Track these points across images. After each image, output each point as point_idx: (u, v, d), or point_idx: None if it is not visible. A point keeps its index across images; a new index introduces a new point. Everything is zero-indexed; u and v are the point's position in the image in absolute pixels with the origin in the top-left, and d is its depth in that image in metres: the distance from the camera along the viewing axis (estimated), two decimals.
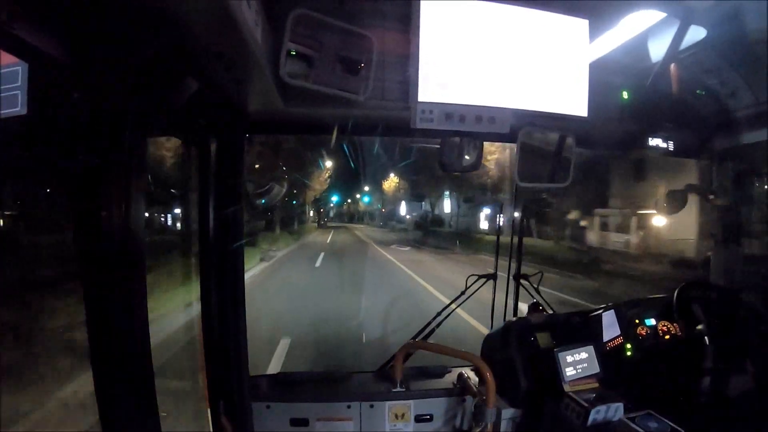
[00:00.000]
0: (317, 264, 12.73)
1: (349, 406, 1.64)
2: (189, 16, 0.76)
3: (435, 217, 34.11)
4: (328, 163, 27.65)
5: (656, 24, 1.44)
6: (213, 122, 1.29)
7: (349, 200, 65.76)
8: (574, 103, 1.38)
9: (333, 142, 1.68)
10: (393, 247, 19.99)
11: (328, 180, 29.97)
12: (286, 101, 1.29)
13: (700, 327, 1.74)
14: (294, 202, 25.86)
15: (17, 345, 3.79)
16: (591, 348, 1.55)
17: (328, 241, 23.42)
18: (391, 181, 41.56)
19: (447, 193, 30.84)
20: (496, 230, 2.49)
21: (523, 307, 2.08)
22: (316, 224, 45.77)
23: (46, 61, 0.69)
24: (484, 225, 27.96)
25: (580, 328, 1.78)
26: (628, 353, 1.75)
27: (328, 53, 1.16)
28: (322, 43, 1.15)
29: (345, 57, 1.18)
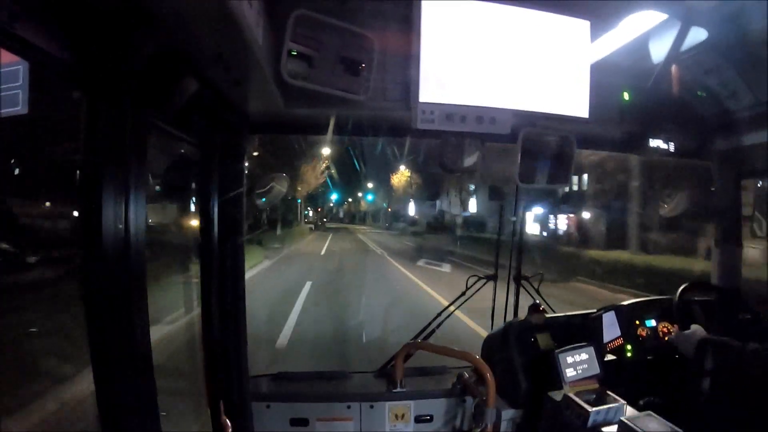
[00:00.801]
0: (286, 329, 5.44)
1: (349, 407, 1.64)
2: (189, 16, 0.76)
3: (470, 218, 25.86)
4: (325, 151, 22.82)
5: (657, 25, 1.43)
6: (213, 122, 1.29)
7: (350, 199, 59.94)
8: (575, 103, 1.38)
9: (331, 137, 1.65)
10: (422, 266, 12.37)
11: (326, 173, 25.40)
12: (286, 101, 1.29)
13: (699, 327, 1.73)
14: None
15: None
16: (591, 349, 1.55)
17: (322, 252, 16.58)
18: (401, 176, 35.46)
19: (473, 187, 25.01)
20: (498, 230, 2.49)
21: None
22: (312, 226, 39.50)
23: (47, 61, 0.68)
24: (532, 228, 18.00)
25: (580, 329, 1.78)
26: (629, 354, 1.75)
27: (328, 53, 1.16)
28: (322, 43, 1.15)
29: (346, 57, 1.18)
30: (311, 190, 26.66)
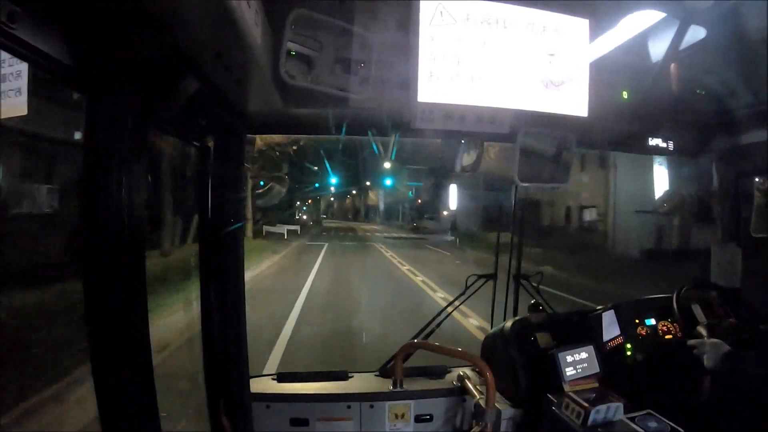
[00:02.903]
0: None
1: (349, 406, 1.64)
2: (189, 16, 0.76)
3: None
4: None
5: (656, 24, 1.44)
6: (213, 122, 1.29)
7: (353, 191, 42.33)
8: (574, 103, 1.38)
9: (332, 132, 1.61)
10: None
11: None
12: (285, 101, 1.30)
13: (700, 327, 1.74)
14: None
15: None
16: (591, 348, 1.55)
17: None
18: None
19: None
20: (497, 230, 2.48)
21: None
22: (297, 228, 23.77)
23: (47, 61, 0.69)
24: None
25: (580, 328, 1.78)
26: (628, 353, 1.75)
27: (328, 53, 1.17)
28: (322, 43, 1.15)
29: (345, 57, 1.18)
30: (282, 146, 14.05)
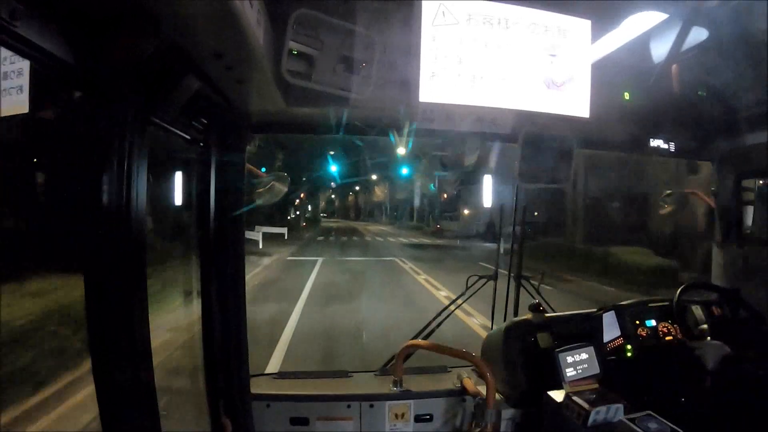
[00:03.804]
0: None
1: (349, 406, 1.65)
2: (190, 16, 0.75)
3: None
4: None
5: (658, 25, 1.43)
6: (214, 122, 1.29)
7: (356, 187, 37.34)
8: (576, 103, 1.38)
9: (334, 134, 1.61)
10: None
11: None
12: (287, 101, 1.29)
13: (700, 328, 1.74)
14: None
15: None
16: (591, 348, 1.55)
17: None
18: None
19: None
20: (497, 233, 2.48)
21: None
22: (283, 232, 17.38)
23: (48, 60, 0.68)
24: None
25: (580, 329, 1.78)
26: (629, 354, 1.75)
27: (330, 53, 1.16)
28: (323, 42, 1.15)
29: (347, 56, 1.18)
30: None
